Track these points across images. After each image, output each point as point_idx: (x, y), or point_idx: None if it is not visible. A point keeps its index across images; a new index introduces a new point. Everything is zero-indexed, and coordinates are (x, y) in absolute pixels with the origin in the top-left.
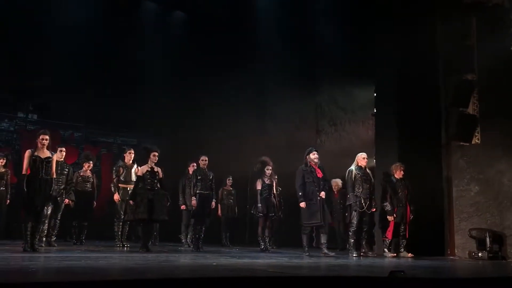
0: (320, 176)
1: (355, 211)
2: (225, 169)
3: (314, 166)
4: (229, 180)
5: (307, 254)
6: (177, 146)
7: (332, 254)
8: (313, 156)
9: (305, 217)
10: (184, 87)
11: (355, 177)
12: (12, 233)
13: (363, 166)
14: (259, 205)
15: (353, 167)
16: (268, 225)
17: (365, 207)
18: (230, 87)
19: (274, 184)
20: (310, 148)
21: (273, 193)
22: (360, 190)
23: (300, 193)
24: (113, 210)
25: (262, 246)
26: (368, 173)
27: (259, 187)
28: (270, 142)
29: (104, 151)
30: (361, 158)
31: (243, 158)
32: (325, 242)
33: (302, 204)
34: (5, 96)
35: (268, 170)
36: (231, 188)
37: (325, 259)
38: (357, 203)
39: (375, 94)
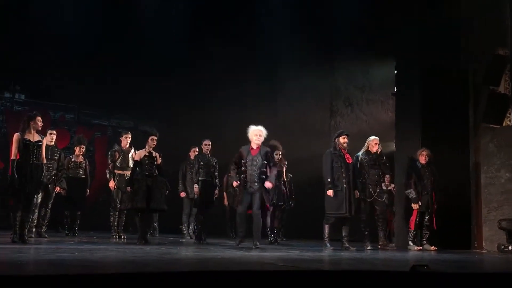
0: (350, 162)
1: (363, 200)
2: (231, 154)
3: (343, 151)
4: None
5: (329, 246)
6: (178, 130)
7: (354, 248)
8: (343, 140)
9: (329, 206)
10: (186, 65)
11: (361, 163)
12: (0, 223)
13: (373, 151)
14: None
15: (360, 153)
16: (277, 215)
17: (375, 195)
18: (238, 65)
19: (284, 171)
20: (341, 131)
21: (283, 180)
22: (367, 177)
23: (328, 179)
24: (109, 199)
25: (271, 238)
26: (379, 158)
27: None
28: (279, 124)
29: (98, 134)
30: (373, 144)
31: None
32: (347, 235)
33: (330, 192)
34: None
35: (278, 155)
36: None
37: (341, 253)
38: (365, 191)
39: (395, 71)
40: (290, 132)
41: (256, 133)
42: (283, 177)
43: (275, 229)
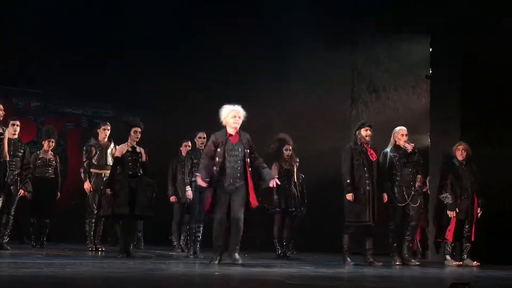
0: (374, 159)
1: (394, 205)
2: None
3: (365, 146)
4: None
5: (349, 261)
6: (166, 120)
7: (380, 263)
8: (365, 132)
9: (349, 213)
10: (179, 40)
11: (390, 162)
12: None
13: (402, 146)
14: (275, 197)
15: (388, 149)
16: (286, 223)
17: (409, 199)
18: (241, 41)
19: (295, 170)
20: (362, 122)
21: (294, 182)
22: (399, 178)
23: (348, 180)
24: (83, 203)
25: (279, 251)
26: (411, 156)
27: (275, 173)
28: (289, 114)
29: (70, 125)
30: (400, 136)
31: (254, 135)
32: (371, 247)
33: (349, 196)
34: None
35: (287, 151)
36: None
37: (364, 269)
38: (396, 195)
39: (430, 50)
40: (302, 124)
41: (234, 114)
42: (294, 178)
43: (283, 240)
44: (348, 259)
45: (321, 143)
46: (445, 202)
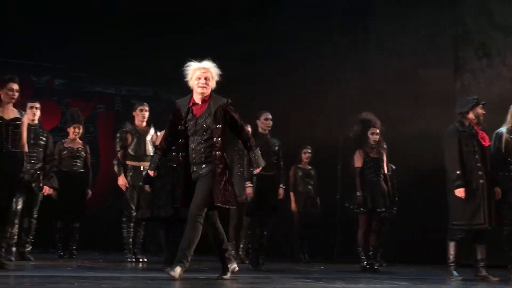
0: (486, 145)
1: (509, 204)
2: (299, 135)
3: (476, 128)
4: (306, 153)
5: (456, 275)
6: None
7: (496, 279)
8: (481, 111)
9: (458, 214)
10: (234, 11)
11: (507, 146)
12: None
13: None
14: (359, 193)
15: (503, 129)
16: (374, 227)
17: None
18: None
19: (384, 159)
20: (473, 98)
21: (383, 174)
22: None
23: (457, 171)
24: (120, 203)
25: (365, 262)
26: None
27: (358, 163)
28: (373, 88)
29: (101, 108)
30: None
31: (328, 116)
32: (484, 257)
33: (460, 192)
34: None
35: (374, 135)
36: (310, 167)
37: (475, 285)
38: None
39: None
40: (390, 100)
41: (199, 75)
42: (383, 169)
43: (370, 249)
44: (455, 272)
45: (415, 124)
46: None
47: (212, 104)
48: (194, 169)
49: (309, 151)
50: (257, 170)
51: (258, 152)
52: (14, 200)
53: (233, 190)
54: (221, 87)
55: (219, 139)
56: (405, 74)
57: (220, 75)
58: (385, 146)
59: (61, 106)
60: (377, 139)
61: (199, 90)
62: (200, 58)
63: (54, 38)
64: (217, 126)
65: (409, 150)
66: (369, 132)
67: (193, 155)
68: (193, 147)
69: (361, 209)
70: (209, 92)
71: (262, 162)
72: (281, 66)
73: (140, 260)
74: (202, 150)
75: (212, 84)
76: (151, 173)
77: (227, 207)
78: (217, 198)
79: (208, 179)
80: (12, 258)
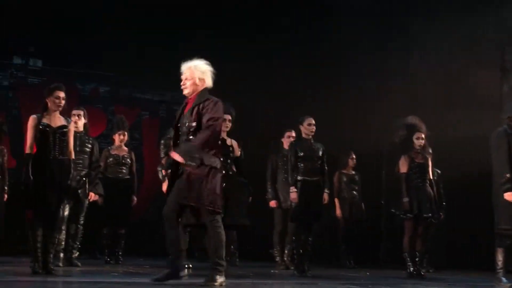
0: None
1: None
2: (344, 140)
3: None
4: (351, 159)
5: (505, 281)
6: (264, 104)
7: None
8: None
9: (503, 217)
10: (281, 11)
11: None
12: (15, 246)
13: None
14: (405, 199)
15: None
16: (420, 233)
17: None
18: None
19: (430, 164)
20: None
21: (428, 179)
22: None
23: (507, 174)
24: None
25: (411, 268)
26: None
27: (404, 169)
28: (418, 92)
29: (146, 114)
30: None
31: (372, 121)
32: None
33: (509, 195)
34: None
35: (419, 140)
36: (354, 172)
37: None
38: None
39: None
40: (434, 105)
41: (183, 75)
42: (428, 175)
43: (416, 255)
44: (504, 279)
45: (460, 129)
46: None
47: (194, 103)
48: (178, 167)
49: (354, 156)
50: (172, 154)
51: (185, 145)
52: (61, 206)
53: (215, 191)
54: (272, 92)
55: (191, 136)
56: (451, 78)
57: (269, 80)
58: (430, 151)
59: (106, 113)
60: (422, 144)
61: (185, 89)
62: (245, 64)
63: (99, 45)
64: (193, 124)
65: (455, 154)
66: (414, 137)
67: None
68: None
69: (407, 214)
70: (193, 90)
71: (183, 153)
72: (326, 71)
73: (186, 266)
74: None
75: (194, 83)
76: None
77: (199, 206)
78: (191, 198)
79: (184, 179)
80: (60, 264)
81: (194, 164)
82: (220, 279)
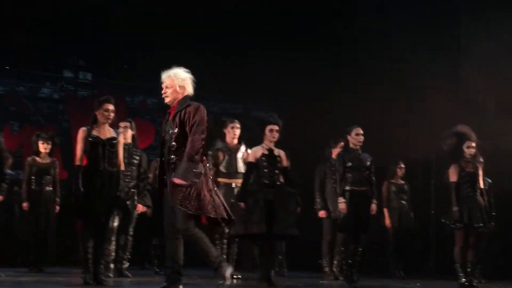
0: None
1: None
2: (392, 150)
3: None
4: (400, 168)
5: None
6: (311, 115)
7: None
8: None
9: None
10: (321, 17)
11: None
12: (66, 256)
13: None
14: (455, 208)
15: None
16: (471, 242)
17: None
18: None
19: (480, 173)
20: None
21: (479, 189)
22: None
23: None
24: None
25: (463, 279)
26: None
27: (454, 178)
28: (467, 100)
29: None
30: None
31: (421, 130)
32: None
33: None
34: (44, 46)
35: (470, 149)
36: (403, 182)
37: None
38: None
39: None
40: (486, 113)
41: (164, 83)
42: (479, 184)
43: (468, 265)
44: None
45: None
46: None
47: (176, 110)
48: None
49: (402, 166)
50: (174, 180)
51: (186, 164)
52: (111, 217)
53: (201, 197)
54: (321, 102)
55: (173, 143)
56: (501, 85)
57: (319, 91)
58: (481, 160)
59: (154, 125)
60: (473, 153)
61: (166, 97)
62: (288, 76)
63: (147, 59)
64: (175, 130)
65: (506, 163)
66: (465, 145)
67: (165, 165)
68: (165, 157)
69: (458, 224)
70: (174, 98)
71: (182, 176)
72: (373, 79)
73: (235, 276)
74: (168, 160)
75: (174, 91)
76: None
77: (184, 208)
78: (176, 200)
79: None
80: (111, 275)
81: (197, 180)
82: (227, 272)
